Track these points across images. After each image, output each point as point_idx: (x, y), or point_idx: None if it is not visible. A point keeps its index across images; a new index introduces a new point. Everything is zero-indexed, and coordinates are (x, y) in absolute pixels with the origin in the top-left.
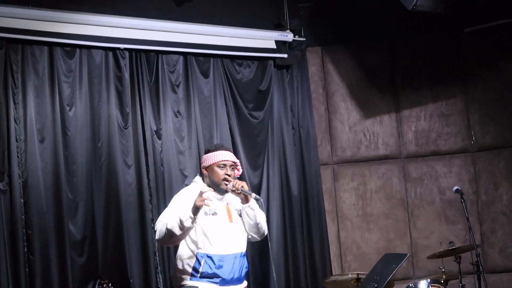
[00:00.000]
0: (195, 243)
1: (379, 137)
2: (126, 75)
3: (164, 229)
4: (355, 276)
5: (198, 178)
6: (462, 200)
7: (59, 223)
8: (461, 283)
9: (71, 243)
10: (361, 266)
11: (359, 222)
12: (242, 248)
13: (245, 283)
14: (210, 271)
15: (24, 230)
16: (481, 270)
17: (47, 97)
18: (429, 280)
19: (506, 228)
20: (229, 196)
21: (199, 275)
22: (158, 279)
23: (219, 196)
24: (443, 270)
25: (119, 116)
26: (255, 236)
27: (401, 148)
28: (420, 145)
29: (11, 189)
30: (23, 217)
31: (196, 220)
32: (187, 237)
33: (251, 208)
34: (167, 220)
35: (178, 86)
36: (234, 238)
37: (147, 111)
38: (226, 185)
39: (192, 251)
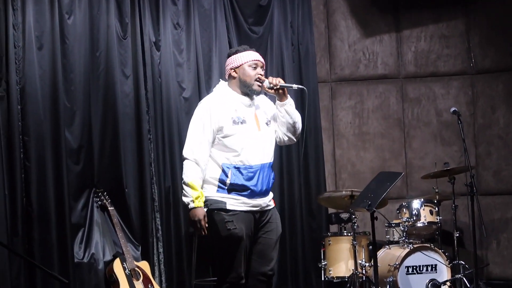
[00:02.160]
0: (221, 153)
1: (378, 57)
2: None
3: (183, 172)
4: (349, 193)
5: (222, 83)
6: (459, 122)
7: (55, 131)
8: (454, 203)
9: (67, 151)
10: (355, 184)
11: (355, 141)
12: (271, 158)
13: (271, 194)
14: (239, 183)
15: (20, 136)
16: (474, 191)
17: (46, 4)
18: (422, 199)
19: (502, 151)
20: (257, 101)
21: (226, 187)
22: (153, 190)
23: (247, 101)
24: (436, 191)
25: (118, 26)
26: (292, 137)
27: (400, 68)
28: (419, 66)
29: (9, 96)
30: (20, 123)
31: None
32: (212, 148)
33: (290, 105)
34: (187, 171)
35: None
36: (263, 147)
37: (147, 22)
38: (259, 86)
39: (217, 163)
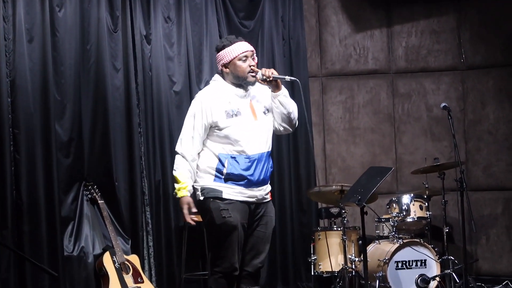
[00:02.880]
0: (216, 144)
1: (369, 52)
2: None
3: (175, 168)
4: (339, 187)
5: (217, 76)
6: (449, 117)
7: (46, 123)
8: (444, 199)
9: (57, 144)
10: (345, 179)
11: (345, 136)
12: (268, 147)
13: (269, 187)
14: (236, 172)
15: (10, 129)
16: (464, 187)
17: None
18: (412, 195)
19: (492, 147)
20: (253, 91)
21: (223, 176)
22: (143, 183)
23: (241, 93)
24: (426, 186)
25: (108, 19)
26: (287, 127)
27: (391, 64)
28: (409, 61)
29: None
30: (10, 116)
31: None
32: (207, 139)
33: (284, 95)
34: (175, 164)
35: None
36: (260, 136)
37: (137, 16)
38: (253, 76)
39: (214, 152)
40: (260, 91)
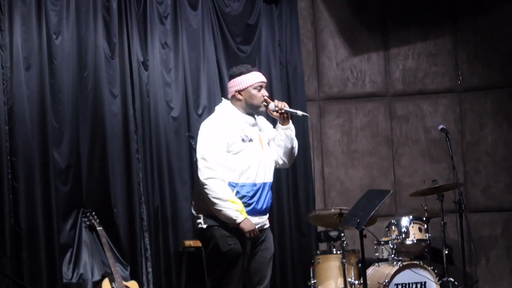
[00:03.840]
0: (228, 170)
1: (366, 75)
2: (114, 4)
3: (212, 192)
4: (338, 211)
5: (227, 102)
6: (447, 139)
7: (44, 151)
8: (443, 221)
9: (55, 171)
10: (344, 202)
11: (343, 159)
12: (271, 177)
13: (267, 214)
14: (242, 200)
15: (8, 157)
16: (463, 208)
17: (34, 24)
18: (411, 217)
19: (490, 168)
20: (259, 122)
21: None
22: (141, 209)
23: (252, 121)
24: (425, 208)
25: (106, 46)
26: (287, 162)
27: (388, 86)
28: (407, 84)
29: None
30: (7, 144)
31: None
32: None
33: (291, 130)
34: (219, 189)
35: (166, 17)
36: (266, 166)
37: (134, 42)
38: (265, 106)
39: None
40: (262, 122)
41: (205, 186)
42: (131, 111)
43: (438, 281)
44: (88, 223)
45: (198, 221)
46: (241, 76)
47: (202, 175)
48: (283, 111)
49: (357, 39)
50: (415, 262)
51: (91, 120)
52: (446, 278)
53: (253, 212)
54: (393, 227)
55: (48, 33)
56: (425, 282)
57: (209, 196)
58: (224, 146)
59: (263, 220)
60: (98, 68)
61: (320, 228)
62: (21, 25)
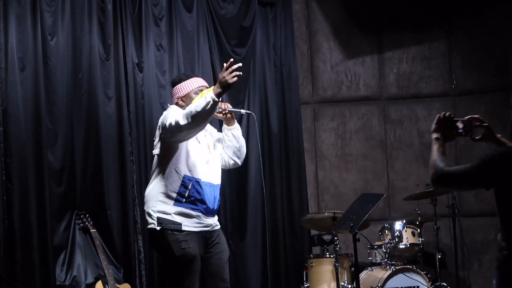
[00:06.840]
0: (182, 165)
1: (360, 78)
2: (109, 6)
3: (183, 116)
4: (331, 214)
5: (174, 106)
6: None
7: (38, 152)
8: (436, 225)
9: (49, 173)
10: (337, 206)
11: (337, 162)
12: (220, 180)
13: (216, 216)
14: (198, 196)
15: (3, 158)
16: (456, 213)
17: (29, 25)
18: (404, 221)
19: None
20: (207, 126)
21: (184, 199)
22: (135, 212)
23: None
24: (418, 212)
25: (100, 48)
26: (237, 161)
27: (382, 90)
28: (401, 87)
29: None
30: (2, 145)
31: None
32: (173, 159)
33: (237, 129)
34: (178, 114)
35: (161, 19)
36: (214, 168)
37: (129, 44)
38: None
39: (179, 174)
40: (207, 127)
41: (176, 120)
42: (125, 112)
43: (431, 285)
44: (81, 225)
45: (151, 221)
46: (181, 83)
47: (171, 121)
48: (226, 111)
49: (351, 42)
50: (408, 266)
51: (86, 122)
52: (439, 283)
53: (207, 212)
54: (386, 231)
55: (43, 34)
56: (418, 287)
57: (184, 117)
58: None
59: (214, 221)
60: (93, 69)
61: (313, 232)
62: (16, 26)
